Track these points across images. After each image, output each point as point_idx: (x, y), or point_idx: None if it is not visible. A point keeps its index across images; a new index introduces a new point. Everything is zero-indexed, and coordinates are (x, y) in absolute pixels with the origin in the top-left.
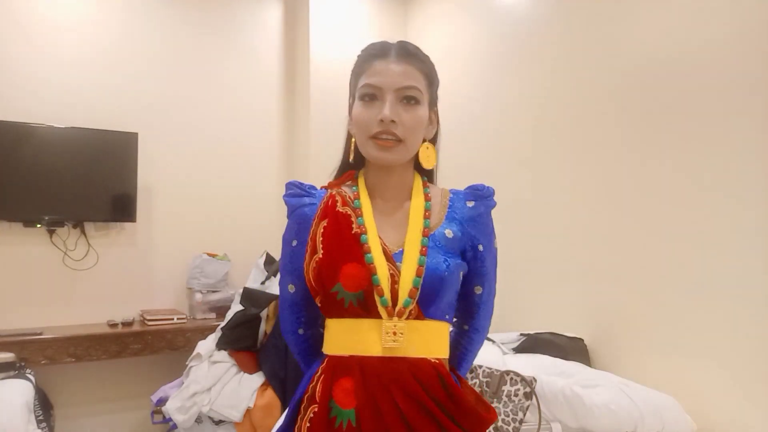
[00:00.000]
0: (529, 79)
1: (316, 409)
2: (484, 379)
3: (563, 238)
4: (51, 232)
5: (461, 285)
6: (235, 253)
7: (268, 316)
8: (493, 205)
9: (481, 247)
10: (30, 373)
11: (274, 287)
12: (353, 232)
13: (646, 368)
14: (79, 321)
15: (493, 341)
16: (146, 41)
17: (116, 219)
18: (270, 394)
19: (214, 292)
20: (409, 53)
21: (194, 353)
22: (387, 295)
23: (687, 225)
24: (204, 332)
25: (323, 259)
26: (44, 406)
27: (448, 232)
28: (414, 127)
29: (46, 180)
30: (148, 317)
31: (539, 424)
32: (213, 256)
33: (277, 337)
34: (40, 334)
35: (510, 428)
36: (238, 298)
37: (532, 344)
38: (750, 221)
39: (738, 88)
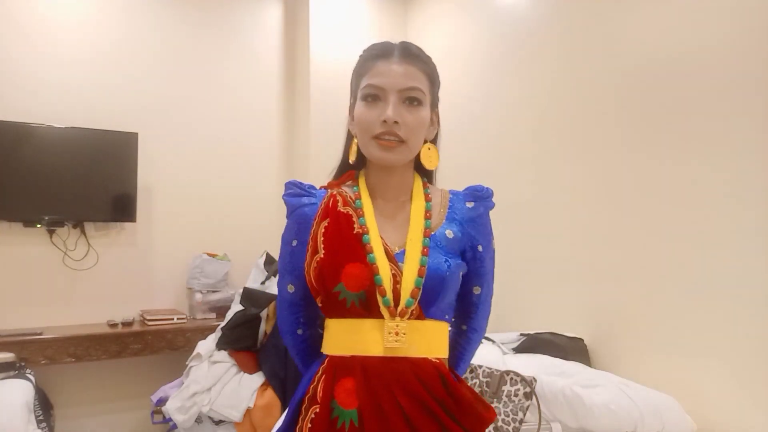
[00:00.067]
0: (529, 79)
1: (317, 410)
2: (484, 379)
3: (563, 238)
4: (51, 232)
5: (460, 285)
6: (235, 253)
7: (268, 316)
8: (492, 206)
9: (480, 248)
10: (30, 373)
11: (274, 287)
12: (355, 232)
13: (646, 368)
14: (79, 321)
15: (493, 341)
16: (146, 41)
17: (116, 219)
18: (270, 394)
19: (214, 292)
20: (412, 54)
21: (194, 353)
22: (389, 295)
23: (687, 225)
24: (204, 332)
25: (324, 259)
26: (44, 406)
27: (449, 233)
28: (416, 128)
29: (46, 180)
30: (148, 317)
31: (539, 424)
32: (213, 256)
33: (277, 337)
34: (40, 334)
35: (510, 428)
36: (238, 298)
37: (532, 344)
38: (750, 221)
39: (738, 88)
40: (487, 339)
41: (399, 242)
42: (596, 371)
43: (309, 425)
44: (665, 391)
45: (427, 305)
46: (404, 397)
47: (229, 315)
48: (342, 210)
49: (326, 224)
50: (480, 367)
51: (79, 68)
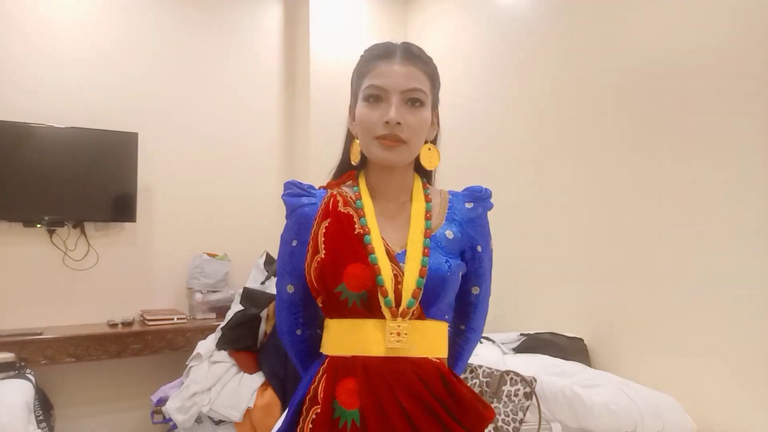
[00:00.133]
0: (529, 79)
1: (318, 410)
2: (484, 379)
3: (563, 238)
4: (51, 232)
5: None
6: (235, 253)
7: (268, 316)
8: (491, 206)
9: (479, 248)
10: (30, 373)
11: (274, 287)
12: (356, 232)
13: (646, 368)
14: (79, 321)
15: (493, 341)
16: (146, 41)
17: (116, 219)
18: (270, 394)
19: (214, 292)
20: (413, 55)
21: (194, 353)
22: (391, 295)
23: (687, 225)
24: (204, 332)
25: (326, 259)
26: (44, 406)
27: (449, 233)
28: (418, 129)
29: (46, 180)
30: (148, 317)
31: (539, 424)
32: (213, 256)
33: (277, 337)
34: (40, 334)
35: (510, 428)
36: (238, 298)
37: (532, 344)
38: (750, 221)
39: (738, 88)
40: (487, 339)
41: (400, 243)
42: (596, 371)
43: (310, 426)
44: (665, 391)
45: (427, 305)
46: (406, 397)
47: (229, 315)
48: (343, 210)
49: (327, 224)
50: (480, 367)
51: (79, 68)
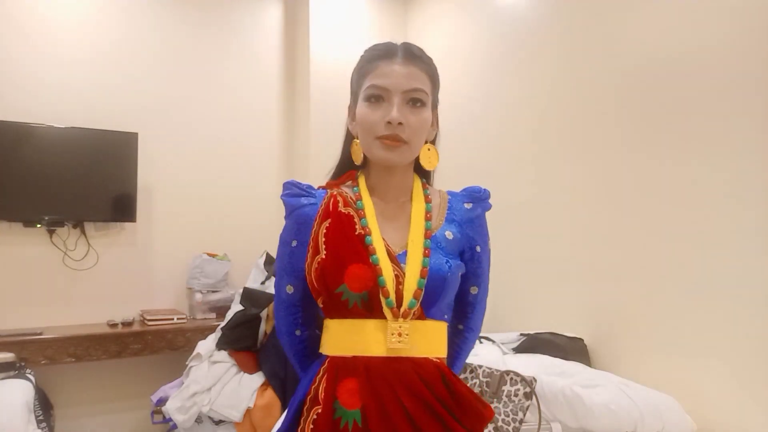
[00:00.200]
0: (529, 79)
1: (319, 410)
2: (484, 379)
3: (563, 238)
4: (51, 232)
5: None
6: (235, 253)
7: (268, 316)
8: (489, 207)
9: (478, 248)
10: (30, 373)
11: (273, 288)
12: (357, 233)
13: (646, 368)
14: (79, 321)
15: (493, 341)
16: (146, 41)
17: (116, 219)
18: (270, 394)
19: (214, 292)
20: (414, 55)
21: (194, 353)
22: (392, 296)
23: (687, 225)
24: (204, 332)
25: (326, 260)
26: (44, 406)
27: (448, 234)
28: (419, 129)
29: (46, 180)
30: (148, 317)
31: (539, 424)
32: (213, 256)
33: (276, 337)
34: (40, 334)
35: (510, 428)
36: (238, 298)
37: (532, 344)
38: (750, 221)
39: (738, 88)
40: (487, 339)
41: (400, 243)
42: (596, 371)
43: (311, 426)
44: (665, 391)
45: (428, 306)
46: (407, 397)
47: (229, 315)
48: (343, 211)
49: (327, 225)
50: (480, 367)
51: (79, 68)
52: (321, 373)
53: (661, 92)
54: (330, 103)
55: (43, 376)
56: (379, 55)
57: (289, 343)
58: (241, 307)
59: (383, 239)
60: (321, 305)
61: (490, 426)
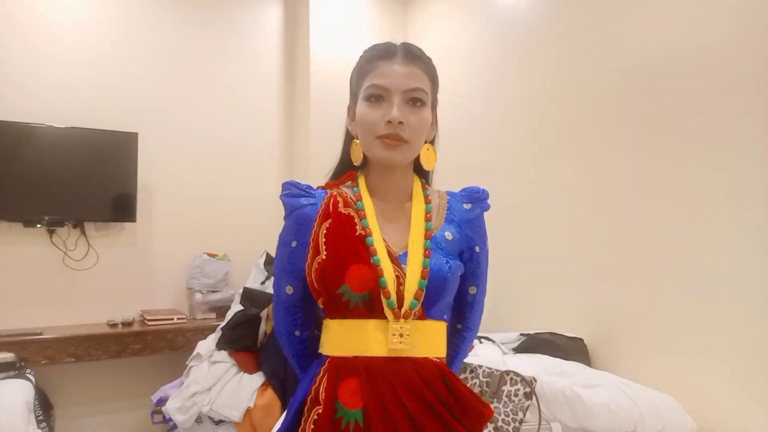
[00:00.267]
0: (529, 79)
1: (320, 410)
2: (484, 379)
3: (563, 238)
4: (51, 232)
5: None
6: (235, 253)
7: (268, 316)
8: (488, 207)
9: (477, 249)
10: (30, 373)
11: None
12: (357, 234)
13: (646, 368)
14: (79, 321)
15: (493, 341)
16: (146, 41)
17: (116, 219)
18: (270, 394)
19: (214, 292)
20: (414, 55)
21: (194, 353)
22: (393, 296)
23: (687, 225)
24: (204, 332)
25: (327, 261)
26: (44, 406)
27: (448, 234)
28: (420, 129)
29: (46, 180)
30: (148, 317)
31: (539, 424)
32: (213, 256)
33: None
34: (40, 334)
35: (510, 428)
36: (238, 298)
37: (532, 344)
38: (750, 221)
39: (738, 88)
40: (487, 339)
41: (400, 244)
42: (596, 371)
43: (312, 426)
44: (665, 391)
45: (428, 306)
46: (408, 397)
47: (229, 315)
48: (343, 211)
49: (328, 225)
50: (480, 367)
51: (79, 68)
52: (321, 373)
53: (661, 92)
54: (330, 103)
55: (43, 376)
56: (378, 55)
57: (288, 344)
58: (241, 307)
59: (384, 240)
60: (321, 306)
61: (490, 426)
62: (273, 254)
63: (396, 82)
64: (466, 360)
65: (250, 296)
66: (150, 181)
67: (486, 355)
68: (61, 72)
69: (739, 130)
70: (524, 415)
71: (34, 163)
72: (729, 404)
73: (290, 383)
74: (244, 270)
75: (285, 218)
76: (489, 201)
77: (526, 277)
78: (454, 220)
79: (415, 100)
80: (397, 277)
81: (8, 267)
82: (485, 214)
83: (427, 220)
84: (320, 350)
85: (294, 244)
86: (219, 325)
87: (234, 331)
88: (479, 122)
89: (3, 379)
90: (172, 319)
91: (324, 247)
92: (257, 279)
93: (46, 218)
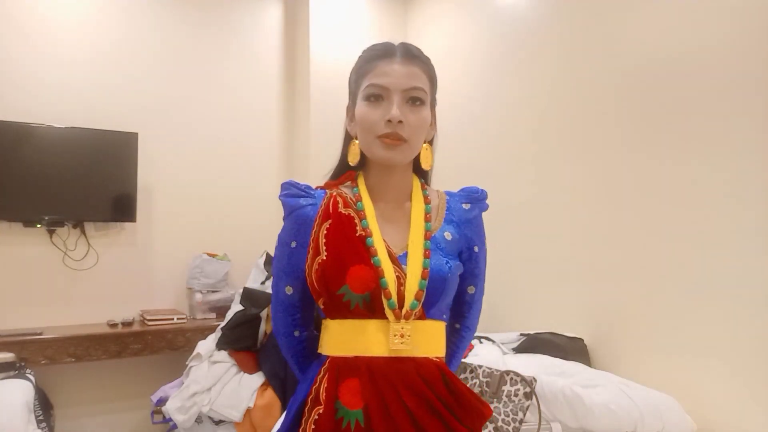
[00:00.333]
0: (529, 79)
1: (321, 411)
2: (484, 379)
3: (563, 238)
4: (51, 232)
5: None
6: (235, 253)
7: (268, 316)
8: (486, 207)
9: (476, 249)
10: (30, 373)
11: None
12: (358, 234)
13: (646, 368)
14: (79, 321)
15: (493, 341)
16: (146, 41)
17: (116, 219)
18: (270, 394)
19: (214, 292)
20: (413, 55)
21: (194, 353)
22: (394, 297)
23: (687, 225)
24: (204, 332)
25: (327, 261)
26: (44, 406)
27: (447, 235)
28: (419, 128)
29: (46, 180)
30: (148, 317)
31: (539, 424)
32: (213, 256)
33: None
34: (40, 334)
35: (510, 428)
36: (238, 298)
37: (532, 344)
38: (750, 221)
39: (738, 88)
40: (487, 339)
41: (400, 244)
42: (596, 371)
43: (312, 426)
44: (665, 391)
45: (428, 306)
46: (409, 397)
47: (229, 315)
48: (343, 212)
49: (328, 226)
50: (480, 367)
51: (79, 68)
52: (322, 373)
53: (661, 92)
54: (330, 103)
55: (43, 376)
56: (377, 54)
57: (288, 344)
58: (241, 307)
59: (384, 240)
60: (321, 306)
61: (490, 426)
62: (273, 254)
63: (395, 81)
64: (466, 360)
65: (250, 296)
66: (150, 181)
67: (486, 355)
68: (61, 72)
69: (739, 130)
70: (524, 415)
71: (34, 163)
72: (729, 404)
73: (290, 383)
74: (244, 270)
75: (284, 218)
76: (489, 201)
77: (526, 277)
78: (453, 221)
79: (414, 100)
80: (398, 277)
81: (8, 267)
82: (485, 214)
83: (427, 220)
84: (320, 350)
85: (293, 244)
86: (219, 325)
87: (234, 331)
88: (479, 122)
89: (3, 379)
90: (172, 319)
91: (324, 247)
92: (257, 279)
93: (46, 218)
